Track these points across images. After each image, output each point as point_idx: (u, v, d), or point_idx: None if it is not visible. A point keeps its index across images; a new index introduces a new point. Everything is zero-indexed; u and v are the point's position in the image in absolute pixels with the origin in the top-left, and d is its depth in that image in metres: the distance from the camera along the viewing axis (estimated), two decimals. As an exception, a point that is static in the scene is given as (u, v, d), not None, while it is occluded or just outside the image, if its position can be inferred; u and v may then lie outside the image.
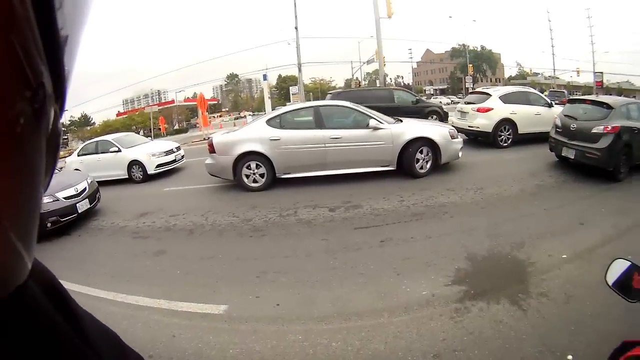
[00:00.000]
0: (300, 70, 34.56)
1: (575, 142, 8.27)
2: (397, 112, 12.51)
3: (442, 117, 16.12)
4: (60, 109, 0.30)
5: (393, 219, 6.17)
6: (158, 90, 75.51)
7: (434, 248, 5.16)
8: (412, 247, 5.23)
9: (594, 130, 7.92)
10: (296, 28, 33.17)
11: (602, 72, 55.53)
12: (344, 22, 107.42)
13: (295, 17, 33.03)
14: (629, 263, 1.48)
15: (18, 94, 0.23)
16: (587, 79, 60.15)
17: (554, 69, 64.22)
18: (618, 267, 1.49)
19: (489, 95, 12.16)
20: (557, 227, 5.69)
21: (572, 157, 8.30)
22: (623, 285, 1.45)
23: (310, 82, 67.11)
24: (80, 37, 0.30)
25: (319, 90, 65.05)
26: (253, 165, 8.12)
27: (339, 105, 9.06)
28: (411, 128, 8.43)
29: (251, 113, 51.09)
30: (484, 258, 4.83)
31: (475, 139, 12.05)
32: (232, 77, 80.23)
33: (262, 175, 8.17)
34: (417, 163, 8.31)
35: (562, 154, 8.65)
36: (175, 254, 5.61)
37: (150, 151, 11.89)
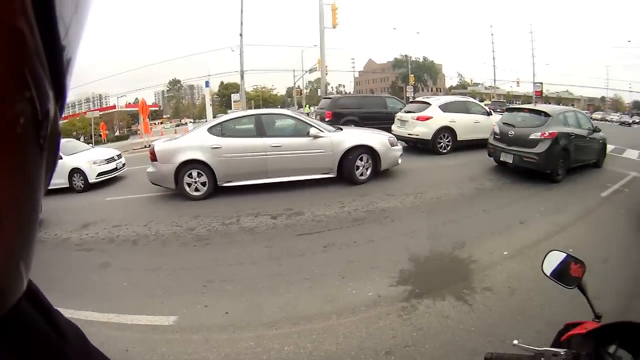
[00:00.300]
0: (242, 77, 34.51)
1: (514, 148, 8.96)
2: (389, 117, 14.07)
3: None
4: (60, 109, 0.31)
5: (335, 225, 6.28)
6: (100, 95, 72.46)
7: (376, 251, 5.29)
8: (355, 251, 5.34)
9: (531, 137, 8.63)
10: (241, 35, 33.18)
11: (541, 83, 59.79)
12: (288, 31, 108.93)
13: (241, 24, 33.08)
14: (564, 254, 1.62)
15: (18, 94, 0.23)
16: (527, 89, 64.29)
17: (495, 80, 68.22)
18: (554, 258, 1.62)
19: (428, 104, 12.72)
20: (497, 227, 6.06)
21: (511, 162, 9.02)
22: (561, 274, 1.59)
23: (252, 90, 67.01)
24: (80, 37, 0.30)
25: (260, 98, 65.27)
26: (195, 173, 8.00)
27: (280, 114, 9.23)
28: (351, 136, 8.67)
29: (192, 120, 50.35)
30: (426, 258, 5.02)
31: (415, 146, 12.54)
32: (175, 83, 78.06)
33: (203, 184, 8.06)
34: (357, 170, 8.52)
35: (501, 159, 9.33)
36: (120, 265, 5.45)
37: (91, 159, 11.34)
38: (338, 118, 14.32)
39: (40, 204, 0.29)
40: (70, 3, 0.27)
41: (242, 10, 32.99)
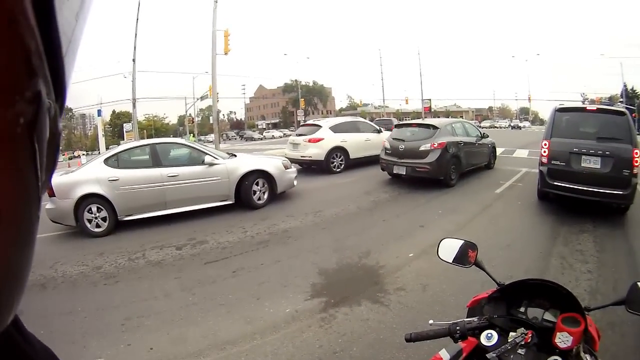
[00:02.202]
0: (134, 106, 32.70)
1: (405, 160, 9.82)
2: None
3: None
4: (60, 109, 0.31)
5: (240, 250, 6.28)
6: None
7: (285, 270, 5.40)
8: (265, 272, 5.38)
9: (421, 148, 9.57)
10: (134, 60, 31.59)
11: (429, 99, 64.61)
12: (179, 58, 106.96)
13: (134, 48, 31.51)
14: (461, 240, 1.86)
15: (18, 93, 0.23)
16: (416, 105, 69.16)
17: (384, 99, 72.32)
18: (448, 245, 1.88)
19: (319, 126, 13.33)
20: (398, 233, 6.54)
21: (404, 173, 9.85)
22: (460, 258, 1.82)
23: (144, 119, 64.23)
24: (80, 36, 0.31)
25: (152, 128, 62.57)
26: (94, 208, 7.50)
27: (174, 143, 9.12)
28: (245, 162, 8.86)
29: (85, 152, 46.72)
30: (335, 270, 5.25)
31: (310, 168, 12.98)
32: (66, 111, 72.11)
33: (104, 219, 7.56)
34: (254, 195, 8.63)
35: (394, 172, 10.14)
36: (33, 312, 4.91)
37: None
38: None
39: (40, 204, 0.30)
40: (70, 3, 0.28)
41: (136, 35, 31.58)
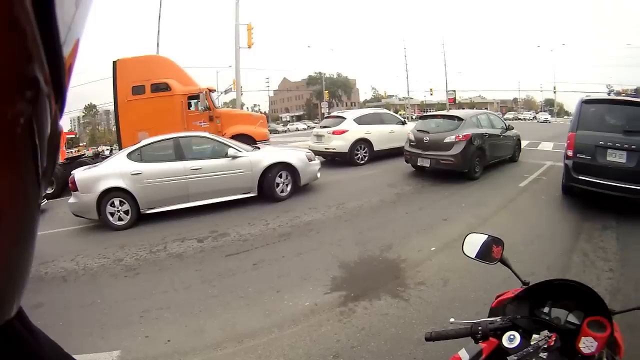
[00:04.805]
0: None
1: (430, 152, 9.67)
2: None
3: None
4: (60, 109, 0.31)
5: (261, 242, 6.30)
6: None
7: (306, 263, 5.40)
8: (285, 265, 5.39)
9: (446, 140, 9.42)
10: None
11: (454, 90, 64.06)
12: (202, 52, 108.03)
13: (157, 45, 31.91)
14: (485, 235, 1.81)
15: (18, 93, 0.24)
16: (440, 97, 68.11)
17: (408, 90, 72.04)
18: (473, 240, 1.82)
19: (343, 118, 13.24)
20: (421, 226, 6.48)
21: (428, 166, 9.72)
22: (484, 254, 1.76)
23: None
24: (80, 37, 0.31)
25: None
26: (117, 202, 7.66)
27: (198, 136, 9.17)
28: (269, 154, 8.89)
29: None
30: (356, 264, 5.21)
31: (333, 160, 12.93)
32: (90, 108, 73.43)
33: (126, 212, 7.73)
34: (277, 187, 8.64)
35: (418, 164, 10.01)
36: (54, 305, 5.07)
37: None
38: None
39: (40, 204, 0.31)
40: (70, 3, 0.28)
41: (158, 31, 32.01)
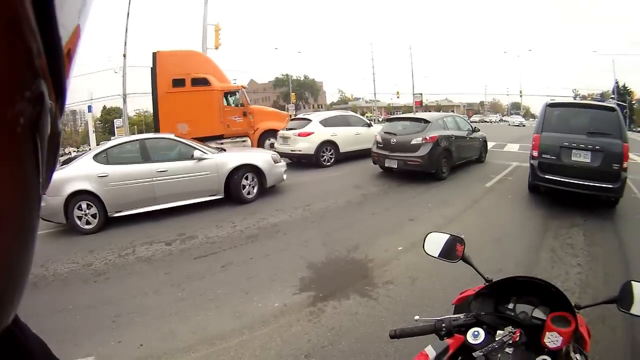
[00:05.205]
0: (125, 101, 32.35)
1: (397, 154, 9.86)
2: None
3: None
4: (60, 109, 0.32)
5: (229, 245, 6.28)
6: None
7: (274, 264, 5.40)
8: (253, 267, 5.38)
9: (413, 142, 9.63)
10: (124, 56, 31.21)
11: (421, 93, 64.83)
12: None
13: (125, 44, 31.09)
14: (447, 235, 1.84)
15: (18, 93, 0.23)
16: (407, 100, 69.44)
17: (375, 93, 72.12)
18: (434, 239, 1.86)
19: (309, 120, 13.30)
20: (388, 227, 6.57)
21: (396, 167, 9.92)
22: (447, 253, 1.80)
23: (134, 115, 63.86)
24: (80, 37, 0.31)
25: (143, 123, 62.28)
26: (84, 205, 7.45)
27: (164, 138, 9.01)
28: (234, 156, 8.83)
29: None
30: (324, 264, 5.26)
31: (299, 162, 12.94)
32: None
33: (94, 216, 7.54)
34: (244, 189, 8.62)
35: (386, 165, 10.19)
36: (25, 312, 4.73)
37: None
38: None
39: (40, 204, 0.30)
40: (70, 3, 0.28)
41: (126, 29, 31.18)
